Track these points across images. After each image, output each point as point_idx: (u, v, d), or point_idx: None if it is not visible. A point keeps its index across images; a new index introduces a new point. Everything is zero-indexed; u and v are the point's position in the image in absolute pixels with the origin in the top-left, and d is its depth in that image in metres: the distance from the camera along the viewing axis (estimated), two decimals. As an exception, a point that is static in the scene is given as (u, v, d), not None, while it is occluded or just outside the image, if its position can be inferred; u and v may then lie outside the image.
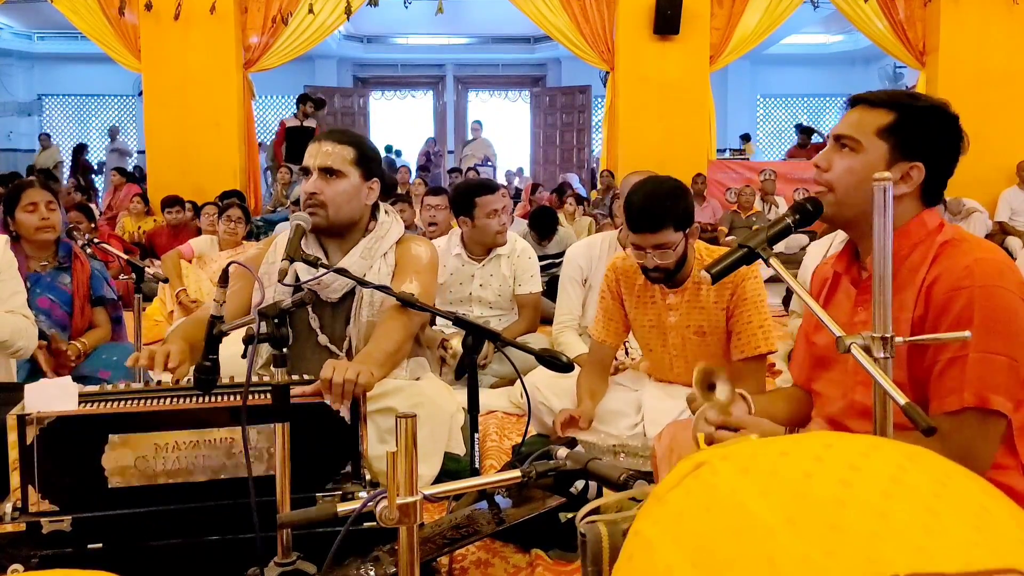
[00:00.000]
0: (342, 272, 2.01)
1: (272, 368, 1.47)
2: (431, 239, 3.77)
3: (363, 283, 2.00)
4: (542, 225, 5.59)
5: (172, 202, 6.57)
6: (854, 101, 1.50)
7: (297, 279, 2.08)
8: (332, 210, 2.10)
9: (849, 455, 0.43)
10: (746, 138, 12.89)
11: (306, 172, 2.13)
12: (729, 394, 1.48)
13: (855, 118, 1.46)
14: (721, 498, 0.43)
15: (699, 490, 0.44)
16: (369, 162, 2.17)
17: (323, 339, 2.16)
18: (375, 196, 2.20)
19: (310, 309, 2.14)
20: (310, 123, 9.51)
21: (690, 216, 2.21)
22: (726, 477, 0.44)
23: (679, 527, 0.43)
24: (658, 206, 2.15)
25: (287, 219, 6.76)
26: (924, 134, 1.42)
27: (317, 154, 2.12)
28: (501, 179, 12.06)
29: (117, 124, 14.20)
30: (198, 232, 5.69)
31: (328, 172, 2.10)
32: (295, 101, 9.67)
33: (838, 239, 3.23)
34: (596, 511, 1.22)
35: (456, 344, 2.94)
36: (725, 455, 0.46)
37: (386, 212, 2.27)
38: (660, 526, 0.45)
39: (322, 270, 2.04)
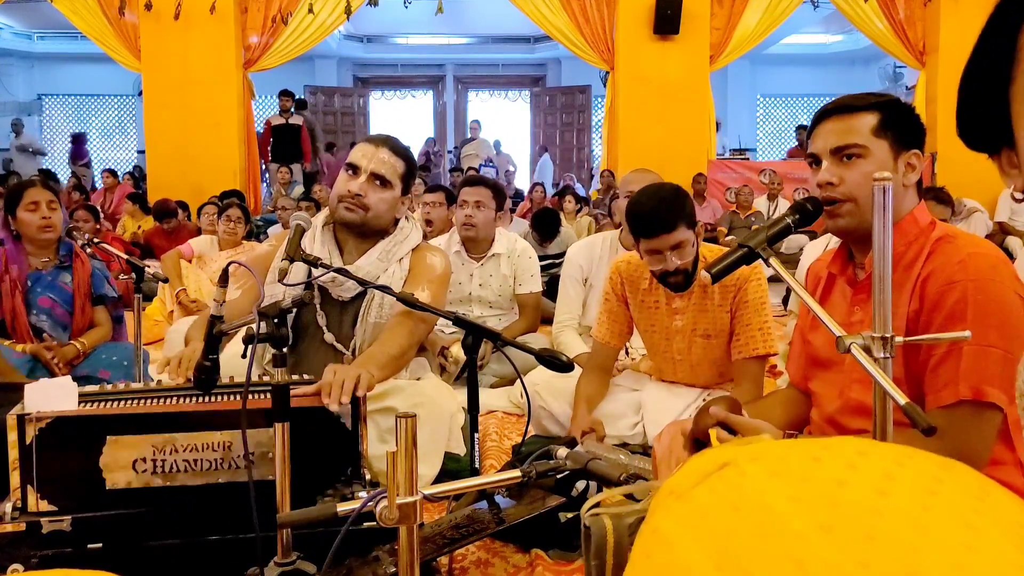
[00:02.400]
0: (343, 272, 2.01)
1: (272, 368, 1.47)
2: (429, 239, 3.77)
3: (364, 283, 2.00)
4: (545, 226, 5.58)
5: (164, 213, 6.54)
6: (824, 115, 1.49)
7: (309, 274, 2.07)
8: (371, 215, 2.14)
9: (884, 463, 0.42)
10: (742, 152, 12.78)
11: (353, 170, 2.14)
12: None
13: (843, 127, 1.45)
14: (749, 500, 0.41)
15: (725, 490, 0.43)
16: (411, 179, 2.24)
17: (329, 337, 2.15)
18: (404, 212, 2.25)
19: (318, 306, 2.15)
20: (295, 120, 9.53)
21: (694, 214, 2.23)
22: (754, 479, 0.43)
23: (702, 526, 0.42)
24: (667, 207, 2.15)
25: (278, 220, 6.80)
26: (907, 122, 1.46)
27: (372, 158, 2.13)
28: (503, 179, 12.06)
29: (19, 118, 12.91)
30: (197, 232, 5.69)
31: (379, 180, 2.13)
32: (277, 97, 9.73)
33: (835, 238, 3.23)
34: (599, 504, 1.22)
35: (456, 352, 2.93)
36: (753, 456, 0.45)
37: (406, 218, 2.28)
38: (682, 524, 0.43)
39: (330, 268, 2.04)
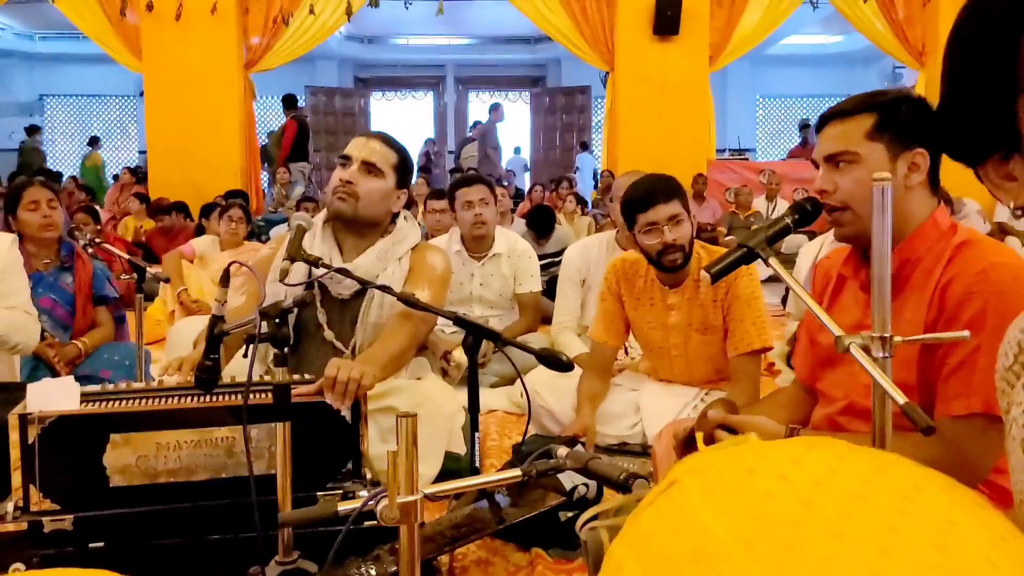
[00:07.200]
0: (344, 272, 2.01)
1: (273, 367, 1.47)
2: (430, 238, 3.79)
3: (364, 283, 2.00)
4: (539, 223, 5.60)
5: (157, 210, 6.56)
6: (824, 120, 1.48)
7: (310, 274, 2.08)
8: (362, 204, 2.13)
9: (815, 471, 0.42)
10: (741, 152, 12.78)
11: (345, 160, 2.16)
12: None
13: (837, 133, 1.44)
14: (685, 520, 0.42)
15: (667, 510, 0.44)
16: (406, 172, 2.24)
17: (329, 335, 2.15)
18: (400, 206, 2.24)
19: (319, 305, 2.15)
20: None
21: (687, 198, 2.34)
22: (693, 496, 0.43)
23: (647, 550, 0.43)
24: (663, 182, 2.29)
25: (286, 219, 6.81)
26: (911, 120, 1.42)
27: (363, 147, 2.16)
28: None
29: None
30: (197, 232, 5.69)
31: (369, 167, 2.14)
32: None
33: (830, 238, 3.22)
34: (595, 517, 1.22)
35: (459, 356, 2.93)
36: (696, 471, 0.45)
37: (405, 218, 2.28)
38: (629, 548, 0.44)
39: (333, 267, 2.05)
